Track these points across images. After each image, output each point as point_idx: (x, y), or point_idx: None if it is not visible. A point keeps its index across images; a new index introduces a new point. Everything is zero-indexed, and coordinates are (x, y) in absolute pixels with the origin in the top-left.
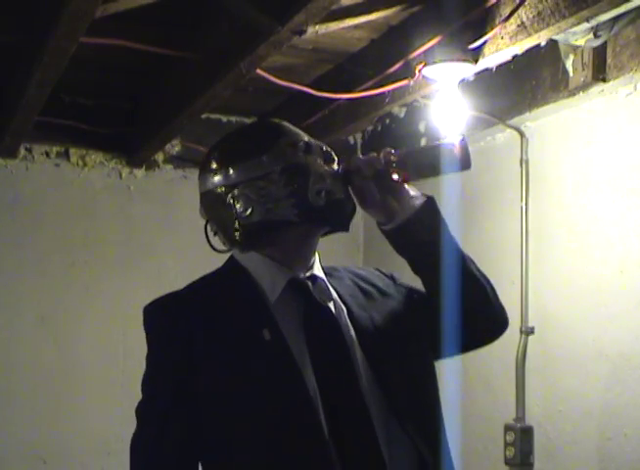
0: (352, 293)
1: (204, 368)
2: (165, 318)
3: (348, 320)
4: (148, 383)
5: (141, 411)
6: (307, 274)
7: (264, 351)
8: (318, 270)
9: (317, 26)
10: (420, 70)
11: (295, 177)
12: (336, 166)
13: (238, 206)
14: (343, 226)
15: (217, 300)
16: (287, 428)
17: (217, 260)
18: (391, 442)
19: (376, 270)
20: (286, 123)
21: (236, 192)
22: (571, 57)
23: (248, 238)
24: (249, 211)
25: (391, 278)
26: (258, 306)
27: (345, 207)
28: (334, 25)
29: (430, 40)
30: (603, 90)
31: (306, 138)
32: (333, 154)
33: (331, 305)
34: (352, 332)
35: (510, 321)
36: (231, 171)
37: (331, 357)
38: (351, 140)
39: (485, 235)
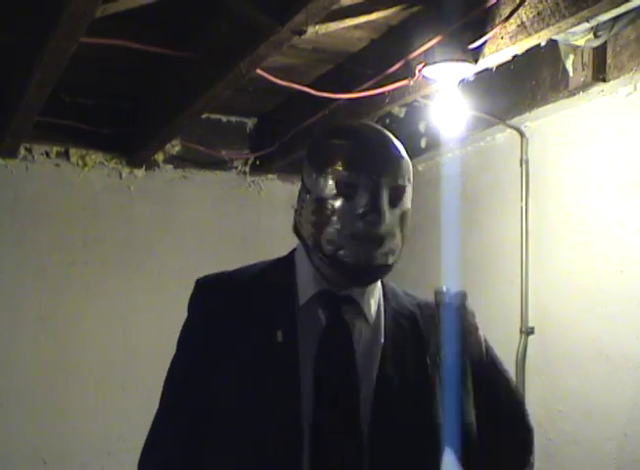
0: (397, 331)
1: (221, 358)
2: (205, 299)
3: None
4: (175, 356)
5: (164, 382)
6: (344, 293)
7: (273, 351)
8: (360, 294)
9: (317, 26)
10: (420, 70)
11: (319, 212)
12: (382, 220)
13: (296, 204)
14: (347, 285)
15: (258, 291)
16: (270, 433)
17: (217, 261)
18: None
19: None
20: (366, 147)
21: (301, 192)
22: (571, 57)
23: (297, 234)
24: (296, 213)
25: None
26: (286, 307)
27: (351, 270)
28: (334, 25)
29: (430, 40)
30: (603, 90)
31: (369, 177)
32: (383, 211)
33: (364, 330)
34: None
35: (511, 319)
36: (304, 173)
37: (335, 377)
38: None
39: (485, 235)
